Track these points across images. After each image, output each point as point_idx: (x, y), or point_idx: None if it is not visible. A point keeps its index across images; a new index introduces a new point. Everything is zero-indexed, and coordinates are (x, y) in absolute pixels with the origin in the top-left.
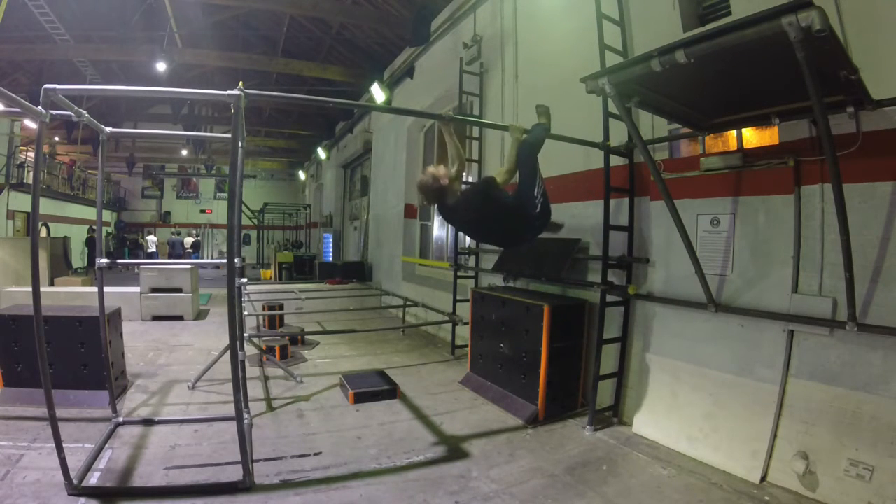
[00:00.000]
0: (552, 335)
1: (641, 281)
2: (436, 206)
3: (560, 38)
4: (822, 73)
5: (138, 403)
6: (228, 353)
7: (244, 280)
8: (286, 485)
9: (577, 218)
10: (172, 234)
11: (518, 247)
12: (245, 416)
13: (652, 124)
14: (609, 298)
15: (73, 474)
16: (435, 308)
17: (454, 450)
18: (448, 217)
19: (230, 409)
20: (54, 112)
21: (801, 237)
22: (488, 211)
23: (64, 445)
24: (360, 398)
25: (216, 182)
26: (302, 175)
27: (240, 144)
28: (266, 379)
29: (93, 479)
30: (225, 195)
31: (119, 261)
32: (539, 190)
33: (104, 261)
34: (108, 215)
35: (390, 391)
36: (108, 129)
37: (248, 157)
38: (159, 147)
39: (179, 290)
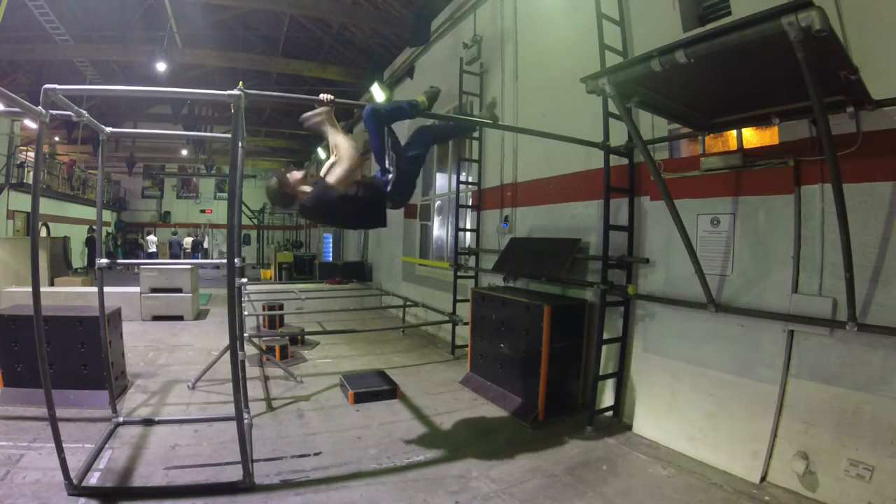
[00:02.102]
0: (552, 335)
1: (641, 281)
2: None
3: (560, 37)
4: (822, 73)
5: (138, 403)
6: (228, 353)
7: (244, 280)
8: (286, 485)
9: (577, 218)
10: (172, 234)
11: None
12: (245, 416)
13: (652, 124)
14: (609, 298)
15: (73, 474)
16: (435, 308)
17: (454, 450)
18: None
19: (230, 409)
20: (54, 112)
21: (801, 237)
22: (334, 211)
23: (64, 445)
24: (360, 398)
25: (216, 182)
26: None
27: (240, 144)
28: (266, 379)
29: (93, 479)
30: (225, 195)
31: (119, 261)
32: (391, 162)
33: (104, 261)
34: (108, 215)
35: (390, 391)
36: (108, 129)
37: (248, 157)
38: (159, 147)
39: (179, 290)
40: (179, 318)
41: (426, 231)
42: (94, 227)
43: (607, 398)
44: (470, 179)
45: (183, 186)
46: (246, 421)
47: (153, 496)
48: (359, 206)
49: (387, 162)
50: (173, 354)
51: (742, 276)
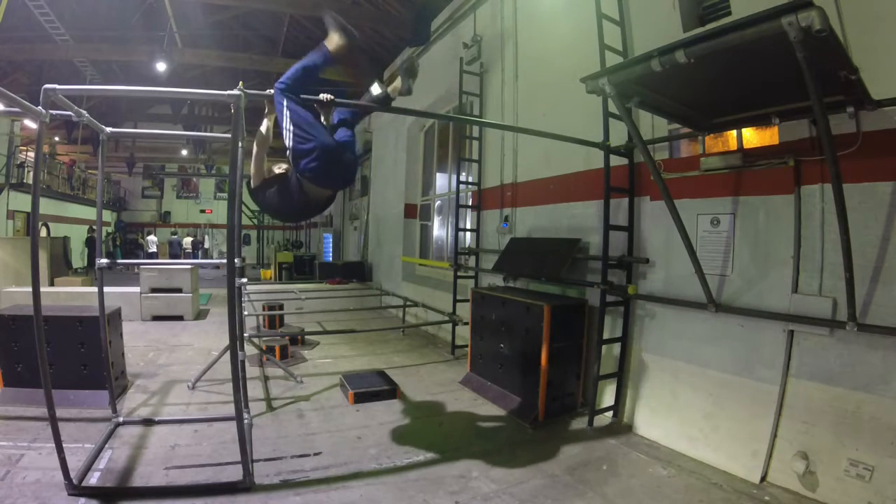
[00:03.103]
0: (552, 335)
1: (641, 281)
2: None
3: (560, 37)
4: (822, 73)
5: (138, 403)
6: (228, 353)
7: (244, 280)
8: (286, 485)
9: (577, 218)
10: (172, 234)
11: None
12: (245, 416)
13: (652, 124)
14: (609, 298)
15: (73, 474)
16: (435, 308)
17: (454, 450)
18: None
19: (230, 409)
20: (54, 112)
21: (801, 237)
22: (267, 207)
23: (64, 445)
24: (360, 398)
25: (216, 182)
26: None
27: (240, 144)
28: (266, 379)
29: (93, 479)
30: (225, 195)
31: (119, 261)
32: (288, 135)
33: (104, 261)
34: (108, 215)
35: (390, 391)
36: (108, 129)
37: (248, 157)
38: (159, 147)
39: (179, 290)
40: (179, 318)
41: (426, 231)
42: (94, 227)
43: (607, 398)
44: (470, 179)
45: (183, 186)
46: (246, 421)
47: (153, 496)
48: (275, 198)
49: (282, 133)
50: (173, 354)
51: (742, 276)
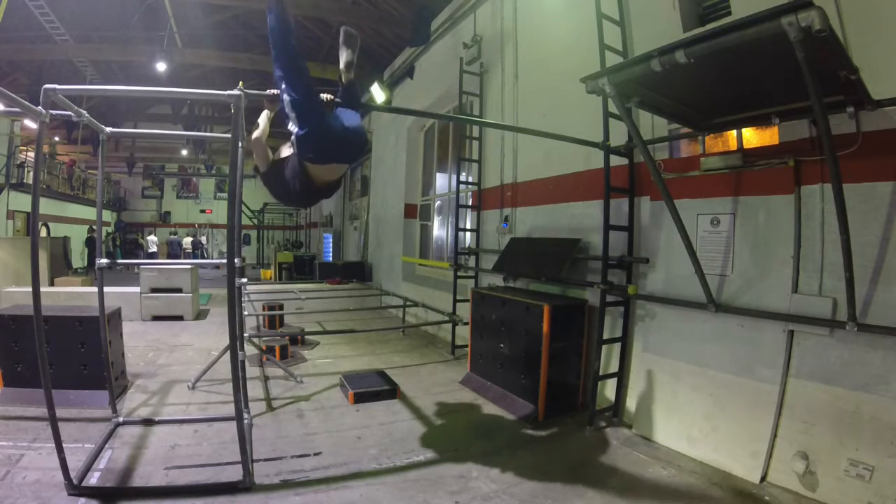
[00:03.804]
0: (552, 335)
1: (641, 281)
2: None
3: (560, 38)
4: (822, 73)
5: (138, 403)
6: (228, 353)
7: (244, 280)
8: (286, 485)
9: (577, 218)
10: (171, 234)
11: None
12: (245, 416)
13: (652, 124)
14: (609, 298)
15: (73, 474)
16: (435, 308)
17: (454, 450)
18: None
19: (230, 409)
20: (54, 112)
21: (801, 237)
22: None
23: (64, 445)
24: (360, 398)
25: (216, 182)
26: None
27: (240, 144)
28: (266, 379)
29: (93, 479)
30: (225, 195)
31: (119, 261)
32: (289, 107)
33: (104, 261)
34: (108, 215)
35: (390, 391)
36: (108, 129)
37: (248, 157)
38: (159, 147)
39: (179, 290)
40: (179, 318)
41: (426, 231)
42: (94, 227)
43: (607, 398)
44: (470, 179)
45: (183, 186)
46: (246, 421)
47: (153, 496)
48: (281, 182)
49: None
50: (173, 354)
51: (742, 276)
